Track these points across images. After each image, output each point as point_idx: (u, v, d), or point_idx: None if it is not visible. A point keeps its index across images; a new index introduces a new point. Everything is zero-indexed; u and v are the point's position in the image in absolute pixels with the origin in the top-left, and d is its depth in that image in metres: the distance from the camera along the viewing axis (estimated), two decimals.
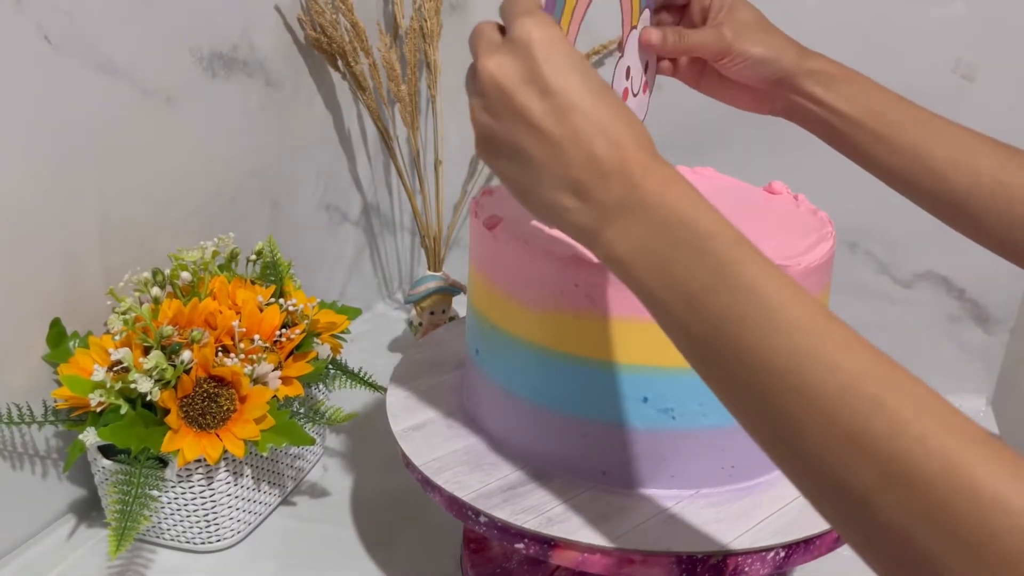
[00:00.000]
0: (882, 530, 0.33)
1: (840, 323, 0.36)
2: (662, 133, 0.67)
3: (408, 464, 0.61)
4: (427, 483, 0.59)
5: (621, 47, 0.57)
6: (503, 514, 0.55)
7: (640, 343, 0.54)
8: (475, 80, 0.43)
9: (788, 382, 0.35)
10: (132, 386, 0.64)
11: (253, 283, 0.76)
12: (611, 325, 0.54)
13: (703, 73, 0.64)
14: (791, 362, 0.35)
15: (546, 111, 0.41)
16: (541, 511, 0.55)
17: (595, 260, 0.46)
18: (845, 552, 0.44)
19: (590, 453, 0.58)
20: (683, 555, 0.53)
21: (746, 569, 0.53)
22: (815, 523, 0.54)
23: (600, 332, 0.55)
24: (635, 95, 0.60)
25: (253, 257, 0.79)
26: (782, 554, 0.53)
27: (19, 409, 0.67)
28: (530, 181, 0.42)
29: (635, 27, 0.58)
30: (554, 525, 0.54)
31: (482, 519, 0.56)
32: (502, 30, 0.43)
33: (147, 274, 0.71)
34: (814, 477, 0.36)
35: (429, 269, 1.05)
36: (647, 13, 0.59)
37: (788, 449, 0.36)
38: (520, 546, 0.55)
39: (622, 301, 0.54)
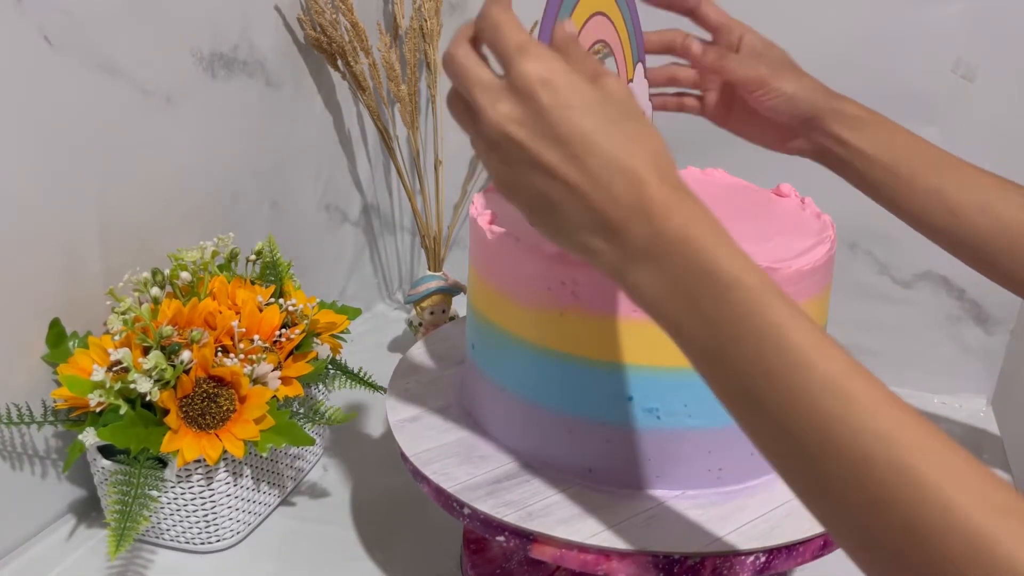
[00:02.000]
0: None
1: (867, 378, 0.36)
2: (673, 134, 0.68)
3: (402, 455, 0.62)
4: (417, 474, 0.60)
5: None
6: (486, 507, 0.55)
7: (625, 341, 0.54)
8: (479, 124, 0.41)
9: (813, 439, 0.36)
10: (132, 386, 0.64)
11: (253, 283, 0.76)
12: (596, 323, 0.54)
13: (732, 108, 0.65)
14: (815, 423, 0.36)
15: (561, 159, 0.40)
16: (523, 505, 0.56)
17: None
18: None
19: (576, 450, 0.58)
20: (660, 555, 0.52)
21: (724, 572, 0.53)
22: (799, 529, 0.54)
23: (585, 330, 0.55)
24: None
25: (253, 257, 0.79)
26: (762, 559, 0.53)
27: (19, 409, 0.67)
28: (558, 224, 0.42)
29: (631, 80, 0.59)
30: (534, 520, 0.54)
31: (466, 511, 0.56)
32: (478, 49, 0.42)
33: (147, 274, 0.71)
34: (844, 529, 0.37)
35: (429, 269, 1.05)
36: (640, 67, 0.61)
37: (818, 500, 0.37)
38: (501, 539, 0.55)
39: (607, 299, 0.54)
